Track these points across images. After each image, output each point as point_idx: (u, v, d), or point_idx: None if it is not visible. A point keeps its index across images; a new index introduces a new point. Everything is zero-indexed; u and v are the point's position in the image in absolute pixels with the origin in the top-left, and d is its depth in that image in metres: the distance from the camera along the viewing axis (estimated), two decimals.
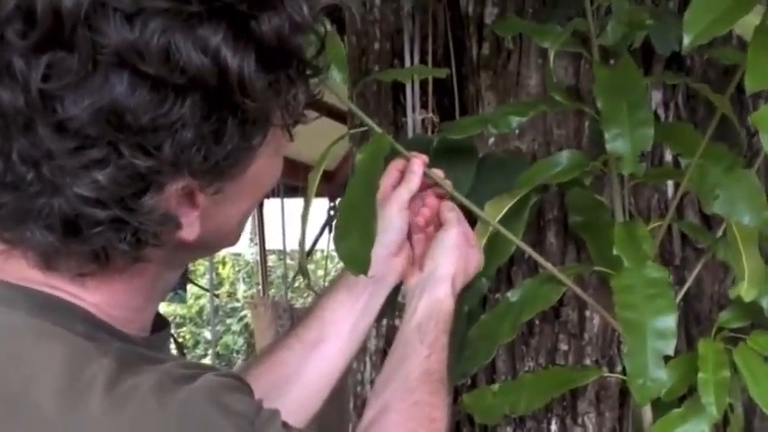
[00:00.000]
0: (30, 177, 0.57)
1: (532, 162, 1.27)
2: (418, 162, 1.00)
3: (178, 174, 0.59)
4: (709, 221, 1.25)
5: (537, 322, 1.28)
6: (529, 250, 1.11)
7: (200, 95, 0.57)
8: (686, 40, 0.87)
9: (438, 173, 1.03)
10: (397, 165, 1.02)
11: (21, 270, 0.62)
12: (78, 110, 0.55)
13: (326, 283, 5.11)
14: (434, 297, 0.95)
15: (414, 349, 0.90)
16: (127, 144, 0.56)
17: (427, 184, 1.03)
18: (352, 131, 1.27)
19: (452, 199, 1.04)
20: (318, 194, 1.16)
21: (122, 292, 0.65)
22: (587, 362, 1.26)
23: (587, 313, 1.27)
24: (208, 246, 0.70)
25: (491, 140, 1.31)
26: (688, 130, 1.14)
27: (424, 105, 1.32)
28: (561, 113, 1.28)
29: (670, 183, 1.26)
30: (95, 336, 0.62)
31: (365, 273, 0.91)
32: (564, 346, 1.27)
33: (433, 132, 1.28)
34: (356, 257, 0.92)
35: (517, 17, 1.20)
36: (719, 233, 1.15)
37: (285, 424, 0.65)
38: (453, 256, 0.98)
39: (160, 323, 0.73)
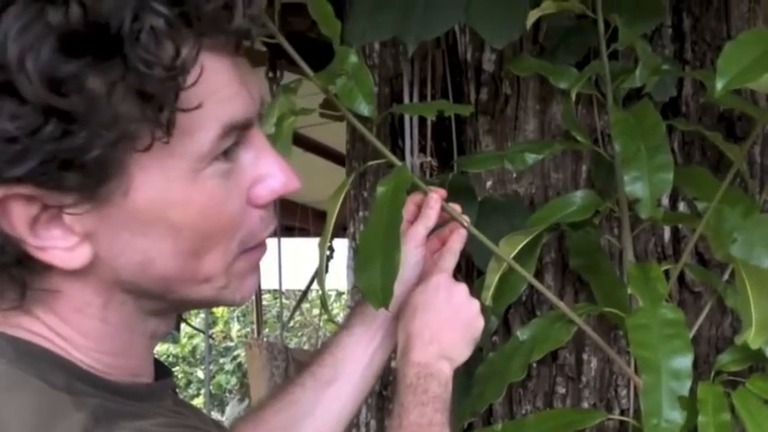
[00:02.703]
0: None
1: (531, 205, 1.28)
2: (435, 197, 1.00)
3: None
4: (706, 267, 1.25)
5: (534, 365, 1.27)
6: (541, 288, 1.11)
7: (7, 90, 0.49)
8: (719, 85, 0.87)
9: (455, 207, 1.03)
10: (414, 199, 1.02)
11: None
12: None
13: (321, 323, 5.08)
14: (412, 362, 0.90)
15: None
16: None
17: (443, 218, 1.02)
18: (361, 168, 1.27)
19: (469, 234, 1.04)
20: (315, 234, 1.16)
21: (86, 332, 0.61)
22: (585, 405, 1.25)
23: (585, 356, 1.26)
24: (155, 292, 0.62)
25: (488, 184, 1.31)
26: (704, 174, 1.14)
27: (422, 149, 1.33)
28: (559, 157, 1.28)
29: (667, 228, 1.26)
30: (74, 388, 0.59)
31: (386, 306, 0.90)
32: (561, 389, 1.26)
33: (431, 176, 1.28)
34: (378, 289, 0.91)
35: (532, 57, 1.21)
36: (725, 278, 1.15)
37: None
38: (426, 315, 0.93)
39: (161, 372, 0.71)
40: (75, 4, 0.50)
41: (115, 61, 0.51)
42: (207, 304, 0.67)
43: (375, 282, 0.92)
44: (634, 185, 1.00)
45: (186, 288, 0.62)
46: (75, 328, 0.61)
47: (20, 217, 0.55)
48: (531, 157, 1.14)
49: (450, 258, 1.00)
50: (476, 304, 0.96)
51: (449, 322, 0.93)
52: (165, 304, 0.64)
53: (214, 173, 0.59)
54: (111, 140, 0.53)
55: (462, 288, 0.96)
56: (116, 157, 0.55)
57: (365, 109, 0.98)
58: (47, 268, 0.58)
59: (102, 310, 0.62)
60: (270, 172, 0.64)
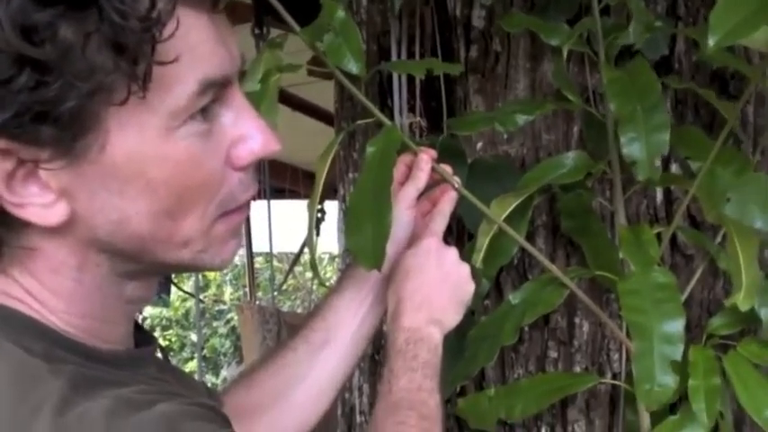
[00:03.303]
0: None
1: (522, 167, 1.26)
2: (426, 158, 0.99)
3: None
4: (699, 229, 1.24)
5: (526, 329, 1.26)
6: (533, 250, 1.10)
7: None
8: (711, 41, 0.85)
9: (446, 168, 1.02)
10: (404, 159, 1.01)
11: None
12: None
13: (314, 287, 5.10)
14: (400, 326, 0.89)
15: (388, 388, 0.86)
16: None
17: (434, 179, 1.01)
18: (349, 128, 1.26)
19: (459, 196, 1.03)
20: (305, 196, 1.14)
21: (61, 295, 0.61)
22: (577, 369, 1.25)
23: (576, 320, 1.26)
24: (129, 251, 0.61)
25: (479, 145, 1.30)
26: (698, 134, 1.13)
27: (411, 109, 1.31)
28: (550, 118, 1.27)
29: (659, 189, 1.25)
30: (53, 354, 0.58)
31: (378, 267, 0.90)
32: (553, 354, 1.26)
33: (421, 136, 1.26)
34: (369, 251, 0.90)
35: (523, 14, 1.19)
36: (717, 241, 1.14)
37: None
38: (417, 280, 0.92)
39: (143, 340, 0.70)
40: None
41: (90, 11, 0.51)
42: (185, 268, 0.67)
43: (366, 243, 0.91)
44: (631, 146, 0.99)
45: (163, 250, 0.62)
46: (50, 290, 0.61)
47: (15, 177, 0.56)
48: (521, 119, 1.13)
49: (441, 221, 1.00)
50: (466, 268, 0.96)
51: (439, 287, 0.92)
52: (142, 266, 0.64)
53: (191, 131, 0.59)
54: (85, 92, 0.53)
55: (453, 252, 0.96)
56: (91, 110, 0.54)
57: (354, 66, 0.96)
58: (24, 225, 0.58)
59: (77, 271, 0.61)
60: (249, 133, 0.63)
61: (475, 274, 0.98)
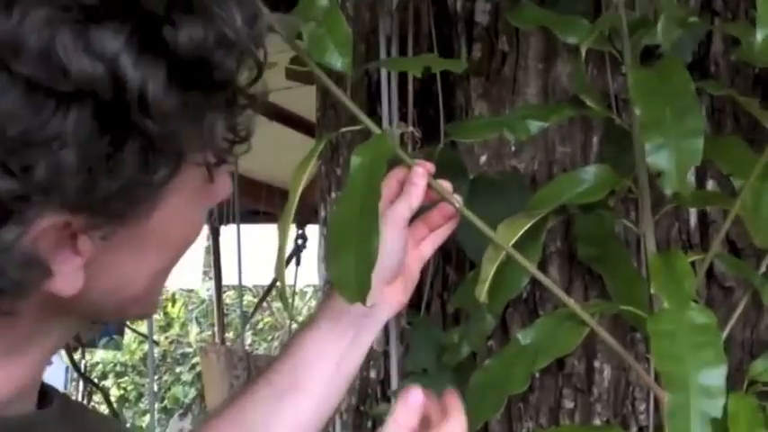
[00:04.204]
0: None
1: (533, 184, 1.26)
2: (421, 172, 0.97)
3: (52, 205, 0.55)
4: (739, 257, 1.24)
5: (537, 375, 1.25)
6: (546, 281, 1.09)
7: (90, 110, 0.53)
8: (759, 36, 0.84)
9: (445, 185, 1.01)
10: (396, 174, 0.99)
11: None
12: None
13: (295, 325, 5.09)
14: None
15: None
16: None
17: (431, 198, 1.00)
18: (332, 135, 1.25)
19: (460, 218, 1.02)
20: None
21: None
22: (596, 422, 1.24)
23: (596, 364, 1.25)
24: (102, 310, 0.67)
25: (483, 158, 1.29)
26: (738, 146, 1.12)
27: (403, 117, 1.30)
28: (566, 127, 1.27)
29: (693, 211, 1.25)
30: None
31: (363, 300, 0.88)
32: (569, 404, 1.25)
33: (414, 149, 1.26)
34: (352, 280, 0.88)
35: (534, 6, 1.18)
36: (761, 270, 1.14)
37: None
38: None
39: (46, 397, 0.71)
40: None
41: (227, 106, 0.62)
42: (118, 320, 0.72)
43: (349, 271, 0.90)
44: (657, 155, 0.97)
45: (127, 306, 0.67)
46: None
47: (59, 244, 0.58)
48: (534, 125, 1.12)
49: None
50: None
51: None
52: (88, 319, 0.70)
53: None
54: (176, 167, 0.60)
55: None
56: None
57: (338, 61, 0.95)
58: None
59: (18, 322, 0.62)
60: (222, 174, 0.69)
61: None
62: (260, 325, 8.14)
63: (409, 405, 0.79)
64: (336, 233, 0.93)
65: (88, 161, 0.54)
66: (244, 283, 4.33)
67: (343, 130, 1.07)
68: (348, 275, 0.89)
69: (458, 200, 1.02)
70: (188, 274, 6.92)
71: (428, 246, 1.01)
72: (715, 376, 0.93)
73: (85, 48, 0.52)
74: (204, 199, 0.67)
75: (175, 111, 0.56)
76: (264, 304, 6.69)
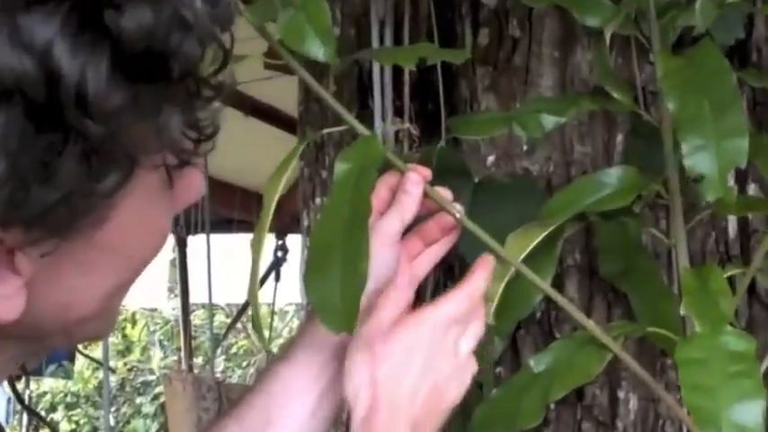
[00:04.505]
0: None
1: (548, 189, 1.26)
2: (416, 179, 0.97)
3: None
4: None
5: (553, 406, 1.26)
6: (562, 300, 1.09)
7: (19, 111, 0.52)
8: None
9: (444, 193, 1.01)
10: (387, 181, 0.99)
11: None
12: None
13: (274, 349, 5.08)
14: None
15: None
16: None
17: (429, 208, 1.00)
18: (315, 136, 1.26)
19: (462, 229, 1.01)
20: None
21: None
22: None
23: (621, 394, 1.25)
24: (49, 334, 0.66)
25: (490, 159, 1.30)
26: None
27: (398, 112, 1.31)
28: (586, 123, 1.27)
29: (732, 218, 1.25)
30: None
31: (349, 329, 0.88)
32: None
33: (411, 149, 1.26)
34: (337, 307, 0.88)
35: None
36: None
37: None
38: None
39: None
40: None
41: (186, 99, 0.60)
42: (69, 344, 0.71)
43: (332, 296, 0.89)
44: (695, 157, 0.97)
45: (78, 329, 0.67)
46: None
47: None
48: (549, 121, 1.12)
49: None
50: (471, 363, 0.93)
51: (425, 382, 0.89)
52: (33, 346, 0.69)
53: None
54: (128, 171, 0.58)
55: (455, 333, 0.91)
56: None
57: (319, 51, 0.94)
58: None
59: None
60: (193, 175, 0.69)
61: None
62: (233, 349, 8.13)
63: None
64: (318, 251, 0.93)
65: (19, 170, 0.53)
66: (215, 301, 4.33)
67: (328, 131, 1.07)
68: (332, 300, 0.89)
69: (459, 210, 1.01)
70: (150, 292, 6.91)
71: (423, 263, 1.00)
72: (751, 412, 0.92)
73: (10, 38, 0.51)
74: (168, 204, 0.67)
75: (123, 107, 0.55)
76: (239, 325, 6.68)
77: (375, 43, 1.30)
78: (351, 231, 0.90)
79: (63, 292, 0.62)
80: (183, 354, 4.31)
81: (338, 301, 0.88)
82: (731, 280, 1.09)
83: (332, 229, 0.92)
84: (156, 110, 0.57)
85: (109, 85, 0.53)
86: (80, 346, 4.55)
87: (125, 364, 8.10)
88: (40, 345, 0.69)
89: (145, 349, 8.37)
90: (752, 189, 1.25)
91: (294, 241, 3.79)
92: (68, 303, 0.63)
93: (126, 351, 8.25)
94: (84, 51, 0.52)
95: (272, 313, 5.06)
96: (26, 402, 4.33)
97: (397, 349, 0.88)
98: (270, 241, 3.71)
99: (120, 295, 0.68)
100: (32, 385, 6.44)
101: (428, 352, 0.89)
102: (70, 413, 7.85)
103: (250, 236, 1.06)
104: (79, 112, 0.53)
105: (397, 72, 1.31)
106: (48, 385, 7.67)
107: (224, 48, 0.62)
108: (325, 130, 1.08)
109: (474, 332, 0.92)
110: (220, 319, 7.64)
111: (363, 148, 0.97)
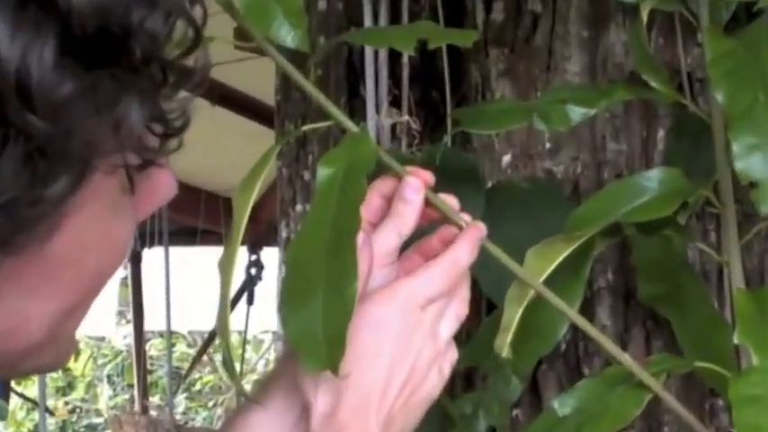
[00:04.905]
0: None
1: (575, 195, 1.27)
2: (416, 185, 0.97)
3: None
4: None
5: None
6: (591, 330, 1.09)
7: None
8: None
9: (450, 200, 1.01)
10: (381, 187, 0.99)
11: None
12: None
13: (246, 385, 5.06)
14: None
15: None
16: None
17: (431, 219, 1.00)
18: (296, 133, 1.25)
19: None
20: None
21: None
22: None
23: None
24: None
25: (505, 159, 1.30)
26: None
27: (395, 103, 1.31)
28: (621, 116, 1.28)
29: None
30: None
31: (334, 368, 0.88)
32: None
33: (411, 146, 1.26)
34: (319, 340, 0.88)
35: None
36: None
37: None
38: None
39: None
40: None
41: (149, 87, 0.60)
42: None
43: (314, 327, 0.89)
44: (747, 159, 0.97)
45: (23, 358, 0.67)
46: None
47: None
48: (577, 113, 1.12)
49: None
50: (450, 348, 0.95)
51: (399, 371, 0.90)
52: None
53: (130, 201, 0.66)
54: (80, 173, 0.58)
55: (432, 314, 0.94)
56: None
57: (288, 35, 0.95)
58: None
59: None
60: (159, 180, 0.70)
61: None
62: (197, 386, 8.13)
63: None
64: (297, 273, 0.92)
65: None
66: (174, 327, 4.33)
67: (310, 126, 1.07)
68: (313, 333, 0.88)
69: (468, 221, 1.02)
70: (97, 317, 6.91)
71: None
72: None
73: None
74: (129, 211, 0.67)
75: (73, 99, 0.55)
76: (205, 357, 6.68)
77: (368, 21, 1.30)
78: (335, 249, 0.90)
79: (4, 316, 0.63)
80: (136, 391, 4.31)
81: (320, 334, 0.88)
82: None
83: (313, 247, 0.92)
84: (113, 101, 0.57)
85: (56, 73, 0.53)
86: (12, 382, 4.53)
87: (66, 403, 8.10)
88: None
89: (90, 386, 8.37)
90: None
91: (271, 255, 3.79)
92: (11, 330, 0.63)
93: (67, 388, 8.25)
94: (26, 32, 0.52)
95: (244, 343, 5.07)
96: None
97: (363, 327, 0.89)
98: (242, 256, 3.70)
99: (73, 320, 0.68)
100: None
101: (402, 330, 0.90)
102: None
103: (217, 249, 1.06)
104: (21, 106, 0.53)
105: (395, 54, 1.31)
106: None
107: (195, 24, 0.61)
108: (306, 127, 1.08)
109: (455, 313, 0.93)
110: (181, 349, 7.65)
111: (351, 148, 0.97)
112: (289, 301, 0.91)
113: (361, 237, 0.90)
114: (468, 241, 0.95)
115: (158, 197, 0.70)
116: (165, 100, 0.61)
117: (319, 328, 0.88)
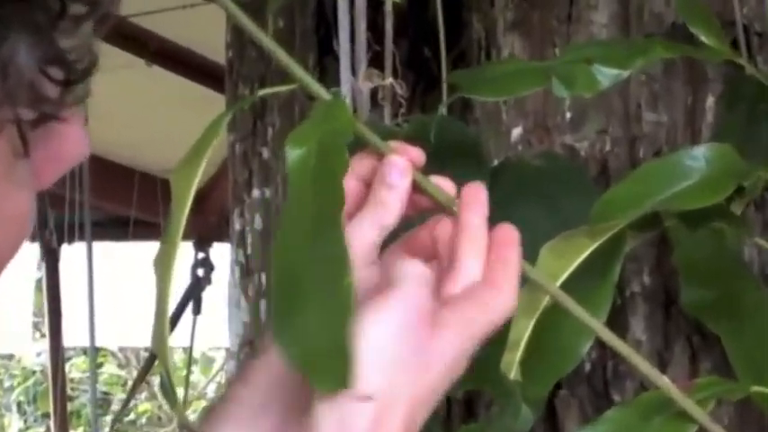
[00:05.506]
0: None
1: (603, 176, 1.27)
2: (400, 166, 0.97)
3: None
4: None
5: None
6: (622, 347, 1.09)
7: None
8: None
9: (444, 184, 1.01)
10: (359, 168, 0.99)
11: None
12: None
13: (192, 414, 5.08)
14: None
15: None
16: None
17: (421, 208, 1.01)
18: (251, 98, 1.25)
19: None
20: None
21: None
22: None
23: None
24: None
25: (515, 132, 1.31)
26: None
27: (376, 60, 1.31)
28: (661, 79, 1.28)
29: None
30: None
31: (345, 383, 0.88)
32: None
33: (396, 116, 1.27)
34: (321, 352, 0.88)
35: None
36: None
37: None
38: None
39: None
40: None
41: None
42: None
43: (317, 338, 0.89)
44: None
45: None
46: None
47: None
48: (606, 75, 1.13)
49: None
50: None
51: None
52: None
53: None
54: None
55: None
56: None
57: None
58: None
59: None
60: (66, 133, 0.68)
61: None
62: (131, 416, 8.16)
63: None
64: (283, 282, 0.93)
65: None
66: (101, 343, 4.33)
67: (266, 92, 1.07)
68: (314, 346, 0.89)
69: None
70: (5, 329, 6.92)
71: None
72: None
73: None
74: (27, 178, 0.67)
75: None
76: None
77: None
78: (320, 243, 0.91)
79: None
80: (52, 423, 4.33)
81: (324, 344, 0.89)
82: None
83: (296, 247, 0.93)
84: None
85: None
86: None
87: None
88: None
89: None
90: None
91: (222, 253, 3.80)
92: None
93: None
94: None
95: (190, 362, 5.07)
96: None
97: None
98: (187, 253, 3.70)
99: None
100: None
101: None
102: None
103: (154, 245, 1.06)
104: None
105: (375, 0, 1.32)
106: None
107: None
108: (264, 91, 1.08)
109: None
110: (110, 370, 7.67)
111: (323, 119, 0.97)
112: (279, 311, 0.92)
113: None
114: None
115: (64, 159, 0.70)
116: (63, 36, 0.61)
117: (322, 338, 0.88)
